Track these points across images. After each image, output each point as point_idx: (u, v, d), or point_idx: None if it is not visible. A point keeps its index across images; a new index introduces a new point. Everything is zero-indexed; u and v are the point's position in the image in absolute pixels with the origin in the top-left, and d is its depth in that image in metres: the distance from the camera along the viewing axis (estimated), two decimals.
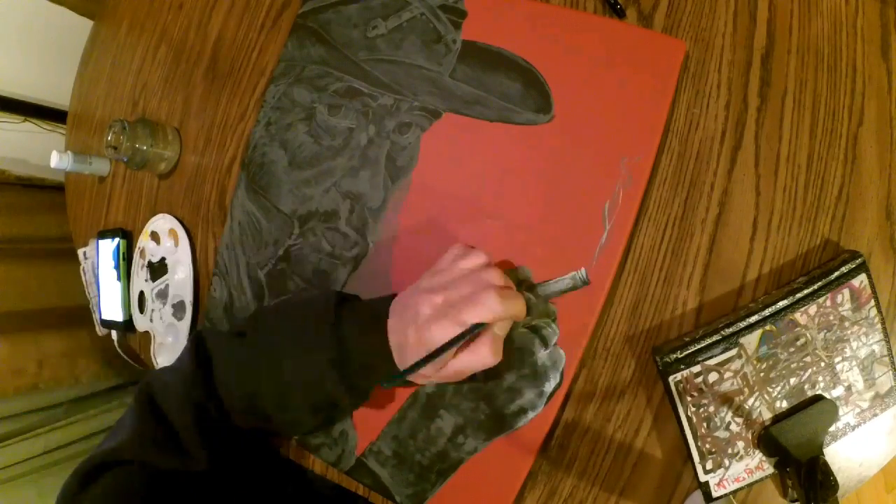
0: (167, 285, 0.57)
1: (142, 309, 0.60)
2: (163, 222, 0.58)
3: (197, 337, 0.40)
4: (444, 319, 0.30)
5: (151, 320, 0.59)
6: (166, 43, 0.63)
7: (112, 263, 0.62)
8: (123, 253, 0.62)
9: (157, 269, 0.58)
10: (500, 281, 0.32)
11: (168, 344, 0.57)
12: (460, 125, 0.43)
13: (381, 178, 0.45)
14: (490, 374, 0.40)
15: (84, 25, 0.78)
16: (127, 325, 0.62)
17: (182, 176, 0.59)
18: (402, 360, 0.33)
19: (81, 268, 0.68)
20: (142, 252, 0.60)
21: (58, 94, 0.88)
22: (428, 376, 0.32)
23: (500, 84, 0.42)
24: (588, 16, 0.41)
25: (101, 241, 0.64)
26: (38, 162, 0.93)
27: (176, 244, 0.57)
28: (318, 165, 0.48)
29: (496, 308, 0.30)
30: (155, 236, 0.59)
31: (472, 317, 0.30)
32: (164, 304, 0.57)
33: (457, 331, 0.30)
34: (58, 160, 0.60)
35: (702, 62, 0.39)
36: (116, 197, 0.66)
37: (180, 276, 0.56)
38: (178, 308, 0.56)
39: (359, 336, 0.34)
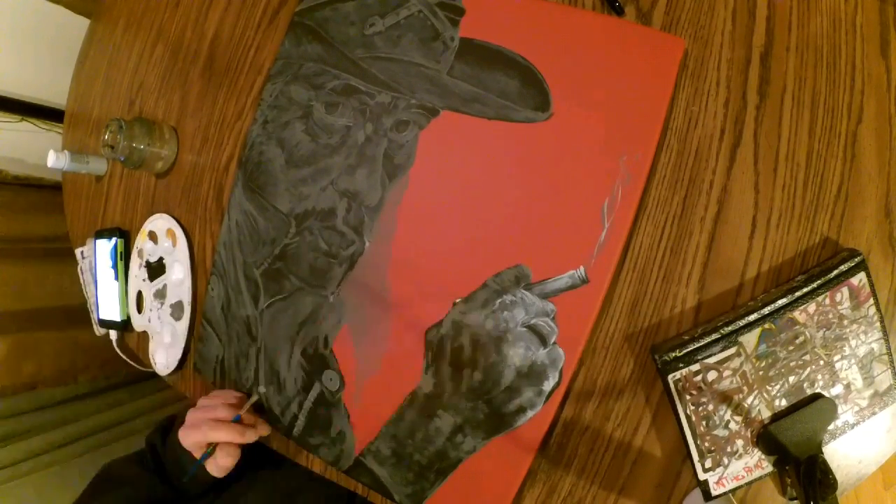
0: (165, 285, 0.57)
1: (140, 309, 0.60)
2: (161, 222, 0.58)
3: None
4: (182, 434, 0.47)
5: (149, 320, 0.59)
6: (163, 41, 0.63)
7: (110, 263, 0.62)
8: (121, 252, 0.62)
9: (155, 269, 0.58)
10: (220, 414, 0.46)
11: (166, 344, 0.57)
12: (458, 123, 0.42)
13: (379, 177, 0.45)
14: (489, 374, 0.40)
15: (81, 24, 0.78)
16: (125, 325, 0.62)
17: (179, 175, 0.59)
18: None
19: (79, 267, 0.68)
20: (139, 252, 0.60)
21: (55, 93, 0.87)
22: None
23: (499, 82, 0.41)
24: (587, 13, 0.41)
25: (98, 241, 0.64)
26: (36, 161, 0.93)
27: (174, 244, 0.56)
28: (315, 164, 0.47)
29: (205, 433, 0.45)
30: (153, 236, 0.58)
31: (190, 436, 0.46)
32: (162, 303, 0.57)
33: (187, 438, 0.46)
34: (55, 160, 0.60)
35: (701, 60, 0.39)
36: (114, 196, 0.66)
37: (178, 276, 0.56)
38: (177, 308, 0.56)
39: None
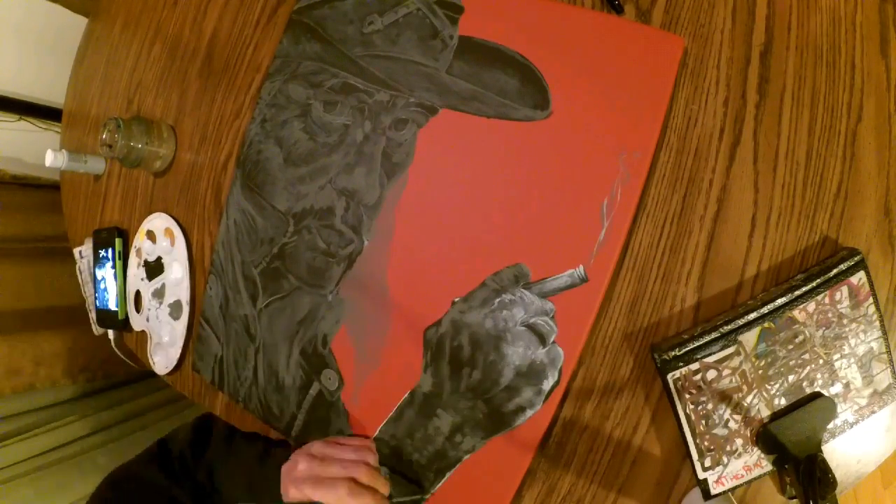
0: (163, 284, 0.57)
1: (138, 308, 0.60)
2: (159, 221, 0.58)
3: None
4: (296, 488, 0.39)
5: (148, 319, 0.59)
6: (161, 40, 0.63)
7: (108, 262, 0.62)
8: (119, 252, 0.62)
9: (154, 269, 0.58)
10: (362, 478, 0.40)
11: (164, 343, 0.57)
12: (457, 122, 0.42)
13: (377, 175, 0.45)
14: (488, 373, 0.40)
15: (79, 23, 0.77)
16: (123, 324, 0.61)
17: (177, 174, 0.58)
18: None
19: (77, 267, 0.68)
20: (138, 251, 0.60)
21: (53, 92, 0.87)
22: None
23: (498, 80, 0.41)
24: (586, 11, 0.41)
25: (96, 240, 0.64)
26: (34, 161, 0.93)
27: (172, 243, 0.56)
28: (314, 162, 0.47)
29: (340, 498, 0.38)
30: (151, 235, 0.58)
31: (316, 495, 0.38)
32: (161, 303, 0.57)
33: (304, 498, 0.38)
34: (53, 159, 0.60)
35: (700, 58, 0.39)
36: (112, 195, 0.65)
37: (176, 275, 0.56)
38: (175, 307, 0.56)
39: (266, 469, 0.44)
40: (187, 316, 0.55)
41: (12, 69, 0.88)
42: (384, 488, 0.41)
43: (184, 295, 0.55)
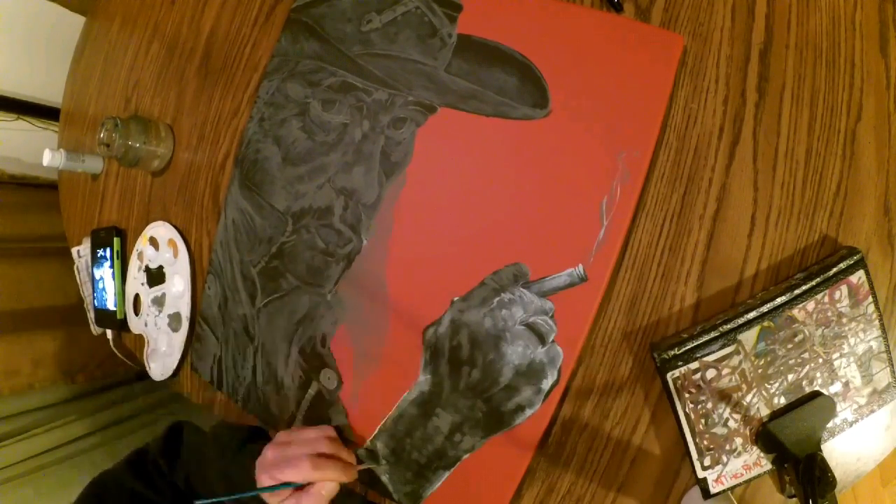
0: (164, 294, 0.57)
1: (136, 311, 0.60)
2: (163, 230, 0.57)
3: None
4: (265, 473, 0.39)
5: (146, 324, 0.58)
6: (159, 39, 0.62)
7: (106, 262, 0.62)
8: (117, 251, 0.61)
9: (155, 276, 0.57)
10: (328, 449, 0.41)
11: (162, 352, 0.57)
12: (456, 120, 0.42)
13: (376, 174, 0.44)
14: (488, 372, 0.40)
15: (76, 22, 0.77)
16: (121, 324, 0.61)
17: (175, 173, 0.58)
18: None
19: (75, 267, 0.67)
20: (140, 255, 0.59)
21: (51, 91, 0.87)
22: None
23: (497, 79, 0.41)
24: (585, 10, 0.41)
25: (94, 240, 0.64)
26: (32, 160, 0.92)
27: (175, 255, 0.56)
28: (312, 161, 0.47)
29: (304, 472, 0.38)
30: (154, 242, 0.58)
31: (281, 476, 0.38)
32: (160, 311, 0.57)
33: (274, 481, 0.38)
34: (50, 158, 0.60)
35: (700, 57, 0.39)
36: (110, 195, 0.65)
37: (178, 288, 0.55)
38: (174, 319, 0.55)
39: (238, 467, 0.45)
40: (186, 330, 0.54)
41: (10, 68, 0.88)
42: (349, 456, 0.42)
43: (184, 309, 0.54)
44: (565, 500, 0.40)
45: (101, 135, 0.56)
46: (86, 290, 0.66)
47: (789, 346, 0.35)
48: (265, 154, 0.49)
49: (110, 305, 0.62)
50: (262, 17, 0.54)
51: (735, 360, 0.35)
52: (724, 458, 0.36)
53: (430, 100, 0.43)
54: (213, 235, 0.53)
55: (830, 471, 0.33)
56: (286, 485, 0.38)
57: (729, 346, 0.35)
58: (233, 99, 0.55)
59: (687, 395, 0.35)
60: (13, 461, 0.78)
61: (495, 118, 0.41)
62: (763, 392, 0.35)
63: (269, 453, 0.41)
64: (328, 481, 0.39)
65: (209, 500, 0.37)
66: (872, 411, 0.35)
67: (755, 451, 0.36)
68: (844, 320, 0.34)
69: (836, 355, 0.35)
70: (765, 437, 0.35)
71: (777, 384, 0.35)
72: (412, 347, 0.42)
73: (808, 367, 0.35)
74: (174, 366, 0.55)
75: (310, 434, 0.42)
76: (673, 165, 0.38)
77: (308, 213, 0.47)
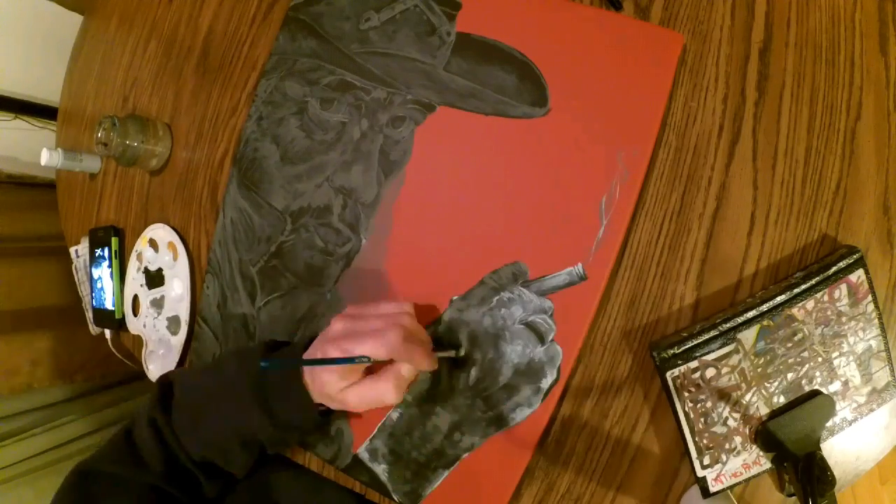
0: (163, 297, 0.56)
1: (135, 312, 0.60)
2: (162, 232, 0.57)
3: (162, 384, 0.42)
4: (332, 345, 0.33)
5: (144, 326, 0.58)
6: (156, 37, 0.62)
7: (105, 262, 0.62)
8: (115, 251, 0.61)
9: (154, 278, 0.57)
10: (411, 326, 0.35)
11: (160, 355, 0.56)
12: (455, 119, 0.42)
13: (374, 173, 0.44)
14: (487, 371, 0.40)
15: (74, 21, 0.77)
16: (120, 324, 0.61)
17: (173, 172, 0.58)
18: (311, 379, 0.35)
19: (74, 266, 0.67)
20: (139, 256, 0.59)
21: (48, 90, 0.87)
22: (333, 399, 0.35)
23: (496, 77, 0.41)
24: (585, 8, 0.41)
25: (92, 239, 0.63)
26: (29, 159, 0.92)
27: (174, 258, 0.56)
28: (311, 160, 0.47)
29: (391, 344, 0.32)
30: (153, 244, 0.58)
31: (358, 349, 0.32)
32: (159, 314, 0.57)
33: (344, 354, 0.33)
34: (48, 158, 0.59)
35: (699, 55, 0.38)
36: (108, 194, 0.65)
37: (177, 291, 0.55)
38: (173, 322, 0.55)
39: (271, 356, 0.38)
40: (185, 333, 0.54)
41: (7, 67, 0.87)
42: (429, 341, 0.36)
43: (183, 313, 0.54)
44: (564, 499, 0.40)
45: (99, 134, 0.56)
46: (84, 290, 0.66)
47: (789, 344, 0.35)
48: (263, 153, 0.49)
49: (108, 305, 0.61)
50: (259, 16, 0.54)
51: (734, 359, 0.35)
52: (724, 457, 0.36)
53: (428, 98, 0.43)
54: (211, 235, 0.53)
55: (830, 469, 0.33)
56: (358, 360, 0.31)
57: (728, 344, 0.35)
58: (231, 97, 0.54)
59: (686, 394, 0.35)
60: (12, 461, 0.78)
61: (494, 117, 0.41)
62: (762, 391, 0.35)
63: (337, 325, 0.35)
64: (411, 364, 0.33)
65: (274, 360, 0.33)
66: (871, 410, 0.35)
67: (754, 450, 0.36)
68: (844, 319, 0.34)
69: (835, 354, 0.35)
70: (764, 435, 0.35)
71: (776, 383, 0.35)
72: None
73: (807, 365, 0.35)
74: (173, 366, 0.55)
75: (388, 308, 0.36)
76: (672, 164, 0.38)
77: (307, 212, 0.47)
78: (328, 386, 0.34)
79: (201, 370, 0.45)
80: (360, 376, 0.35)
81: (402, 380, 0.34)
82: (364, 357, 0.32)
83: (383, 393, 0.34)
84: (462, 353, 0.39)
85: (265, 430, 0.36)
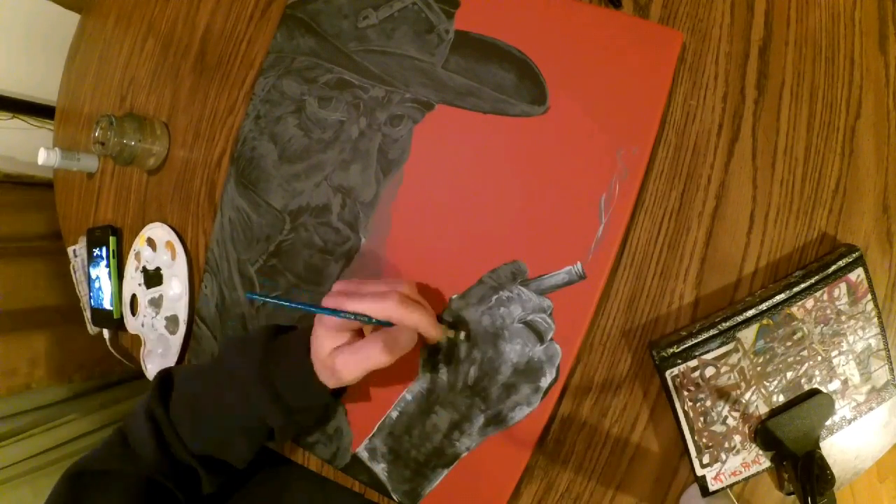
0: (161, 296, 0.56)
1: (133, 311, 0.60)
2: (160, 232, 0.57)
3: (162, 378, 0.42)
4: (331, 300, 0.34)
5: (143, 325, 0.58)
6: (154, 36, 0.62)
7: (102, 261, 0.61)
8: (113, 251, 0.61)
9: (152, 277, 0.57)
10: (411, 294, 0.35)
11: (158, 354, 0.56)
12: (453, 117, 0.42)
13: (373, 172, 0.44)
14: (486, 370, 0.39)
15: (71, 19, 0.76)
16: (118, 323, 0.61)
17: (171, 171, 0.58)
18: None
19: (72, 266, 0.67)
20: (137, 255, 0.59)
21: (46, 89, 0.86)
22: (325, 364, 0.35)
23: (494, 75, 0.41)
24: (584, 6, 0.40)
25: (90, 239, 0.63)
26: (27, 159, 0.92)
27: (172, 257, 0.55)
28: (309, 159, 0.47)
29: (389, 305, 0.33)
30: (151, 243, 0.57)
31: (356, 306, 0.33)
32: (157, 313, 0.56)
33: (338, 307, 0.33)
34: (45, 157, 0.59)
35: (699, 53, 0.38)
36: (105, 194, 0.65)
37: (175, 291, 0.55)
38: (171, 321, 0.55)
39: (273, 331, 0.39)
40: (183, 333, 0.54)
41: (4, 66, 0.87)
42: (433, 312, 0.36)
43: (182, 312, 0.54)
44: (564, 498, 0.40)
45: (97, 133, 0.55)
46: (82, 290, 0.66)
47: (788, 343, 0.35)
48: (261, 152, 0.49)
49: (107, 305, 0.61)
50: (257, 14, 0.54)
51: (734, 358, 0.35)
52: (723, 456, 0.36)
53: (427, 97, 0.43)
54: (209, 234, 0.53)
55: (829, 468, 0.33)
56: (357, 317, 0.31)
57: (728, 343, 0.35)
58: (228, 96, 0.54)
59: (686, 393, 0.35)
60: (11, 461, 0.78)
61: (493, 115, 0.41)
62: (762, 390, 0.35)
63: (338, 285, 0.35)
64: (411, 327, 0.32)
65: (261, 296, 0.34)
66: (871, 409, 0.35)
67: (754, 449, 0.36)
68: (843, 318, 0.34)
69: (834, 353, 0.35)
70: (763, 434, 0.35)
71: (776, 382, 0.35)
72: None
73: (806, 364, 0.35)
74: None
75: (388, 279, 0.37)
76: (672, 162, 0.38)
77: (306, 211, 0.47)
78: (319, 348, 0.34)
79: (200, 364, 0.46)
80: (351, 339, 0.34)
81: (395, 343, 0.33)
82: (364, 316, 0.31)
83: (371, 353, 0.33)
84: (463, 336, 0.39)
85: (275, 414, 0.36)
